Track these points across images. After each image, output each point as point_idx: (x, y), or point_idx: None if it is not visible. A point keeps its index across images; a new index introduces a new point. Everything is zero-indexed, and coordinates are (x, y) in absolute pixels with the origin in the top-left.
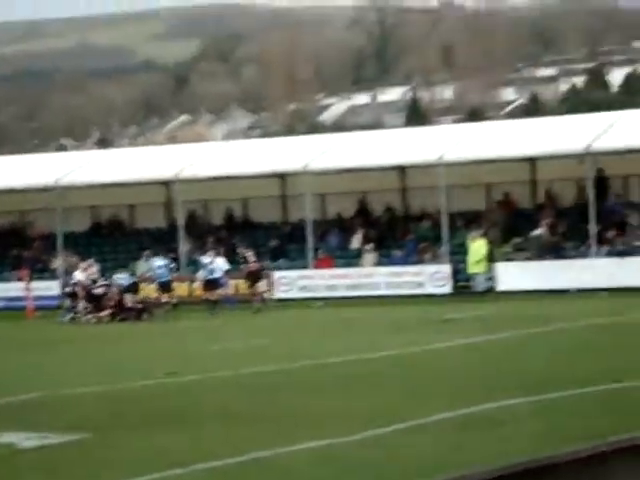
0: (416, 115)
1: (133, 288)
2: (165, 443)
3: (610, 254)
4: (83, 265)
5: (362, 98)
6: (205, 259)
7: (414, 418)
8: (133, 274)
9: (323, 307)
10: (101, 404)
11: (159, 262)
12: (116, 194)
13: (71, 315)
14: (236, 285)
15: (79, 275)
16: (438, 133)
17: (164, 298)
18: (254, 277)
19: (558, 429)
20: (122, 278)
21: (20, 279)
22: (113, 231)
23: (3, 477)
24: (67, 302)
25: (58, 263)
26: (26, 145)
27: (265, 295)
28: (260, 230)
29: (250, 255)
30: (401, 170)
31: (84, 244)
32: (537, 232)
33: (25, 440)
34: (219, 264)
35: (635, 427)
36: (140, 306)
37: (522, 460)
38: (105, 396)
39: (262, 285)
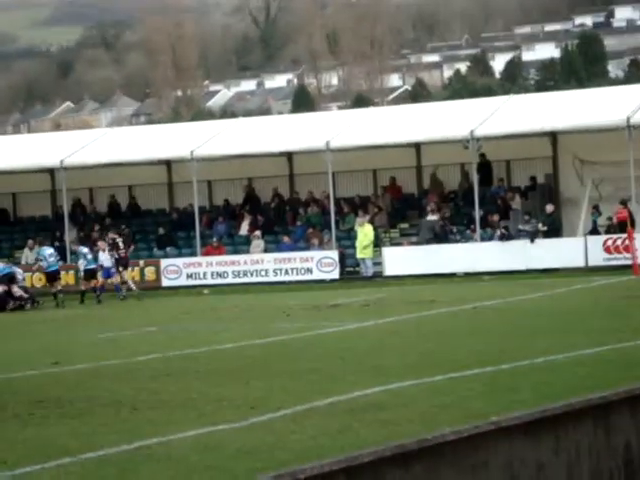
0: (303, 101)
1: (9, 278)
2: (51, 433)
3: (493, 238)
4: None
5: (249, 84)
6: (84, 249)
7: (303, 403)
8: (17, 263)
9: (211, 294)
10: None
11: (49, 250)
12: None
13: None
14: None
15: None
16: (325, 119)
17: (52, 287)
18: (123, 264)
19: (441, 411)
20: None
21: None
22: None
23: None
24: None
25: None
26: None
27: (130, 284)
28: (147, 217)
29: (120, 241)
30: (288, 156)
31: None
32: (431, 217)
33: None
34: (103, 254)
35: (516, 406)
36: (26, 295)
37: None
38: None
39: (127, 273)
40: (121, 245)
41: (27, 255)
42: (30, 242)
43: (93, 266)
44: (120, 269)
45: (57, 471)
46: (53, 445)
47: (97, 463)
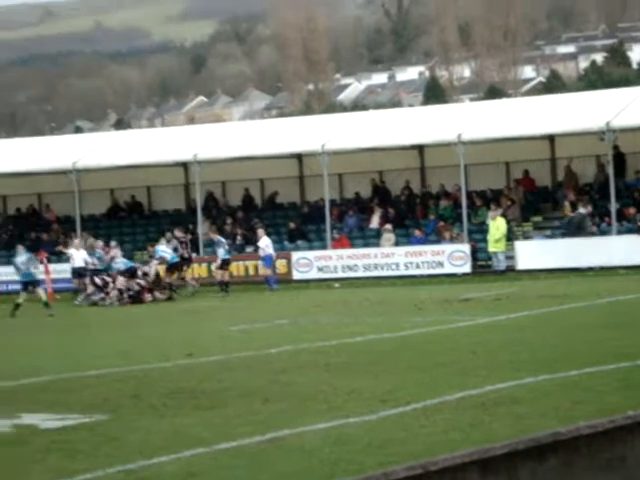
0: (434, 93)
1: (131, 272)
2: (184, 423)
3: (630, 231)
4: (103, 247)
5: (380, 77)
6: (222, 239)
7: (433, 397)
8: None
9: (342, 287)
10: (120, 385)
11: (162, 246)
12: (134, 176)
13: (84, 297)
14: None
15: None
16: (457, 111)
17: (182, 280)
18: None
19: (575, 406)
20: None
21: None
22: (131, 213)
23: (24, 458)
24: (88, 285)
25: (76, 245)
26: (43, 128)
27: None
28: (279, 211)
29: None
30: (419, 149)
31: (103, 226)
32: (581, 211)
33: (45, 421)
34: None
35: None
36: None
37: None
38: (124, 378)
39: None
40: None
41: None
42: (168, 235)
43: (228, 257)
44: (184, 267)
45: (191, 461)
46: (187, 435)
47: (231, 454)
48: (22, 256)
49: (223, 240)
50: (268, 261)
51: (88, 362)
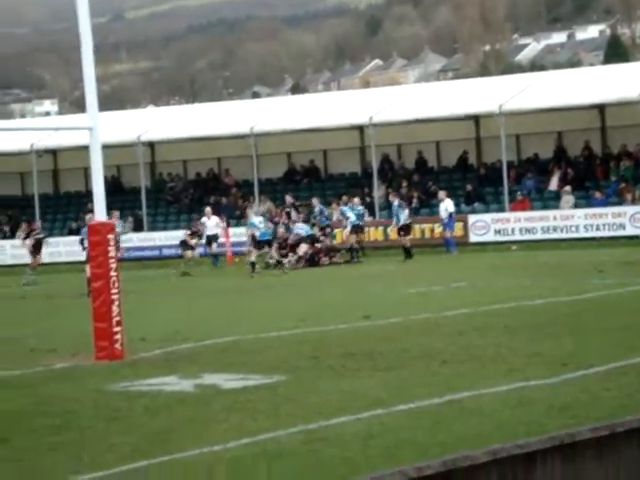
0: (616, 52)
1: (312, 239)
2: (363, 385)
3: None
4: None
5: (559, 37)
6: (403, 202)
7: (616, 360)
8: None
9: (519, 250)
10: (299, 347)
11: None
12: (310, 140)
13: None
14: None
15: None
16: (639, 70)
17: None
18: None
19: None
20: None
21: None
22: (308, 177)
23: (207, 417)
24: (271, 250)
25: (255, 210)
26: (221, 93)
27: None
28: (454, 173)
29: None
30: (600, 109)
31: (280, 190)
32: None
33: (227, 381)
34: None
35: None
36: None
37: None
38: (302, 339)
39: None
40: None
41: (337, 211)
42: (344, 198)
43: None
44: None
45: (371, 422)
46: (366, 396)
47: (409, 415)
48: (210, 219)
49: (404, 203)
50: (451, 224)
51: (268, 324)
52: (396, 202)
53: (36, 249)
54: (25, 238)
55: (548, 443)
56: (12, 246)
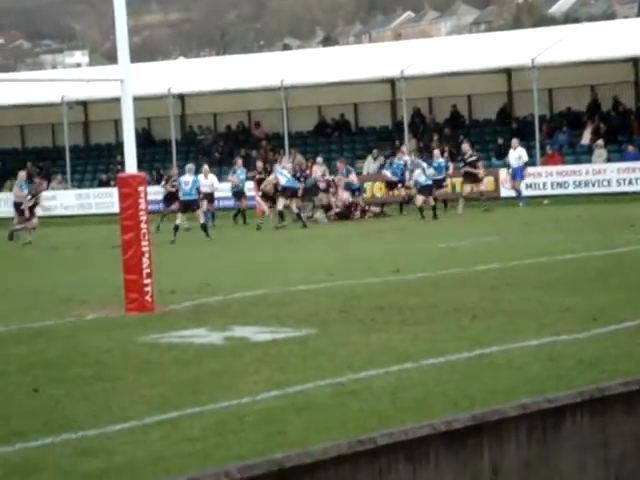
0: None
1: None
2: (392, 339)
3: None
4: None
5: None
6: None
7: None
8: (359, 173)
9: (551, 205)
10: (328, 300)
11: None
12: (341, 93)
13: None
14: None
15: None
16: None
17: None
18: (471, 178)
19: None
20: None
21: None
22: (339, 130)
23: (238, 370)
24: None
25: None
26: (252, 46)
27: (485, 194)
28: (487, 127)
29: (470, 155)
30: (634, 62)
31: (310, 143)
32: None
33: (257, 334)
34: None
35: None
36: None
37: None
38: (332, 293)
39: (481, 185)
40: (471, 158)
41: (369, 165)
42: (375, 152)
43: (434, 178)
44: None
45: (400, 375)
46: (395, 350)
47: (438, 369)
48: (240, 172)
49: (424, 164)
50: (521, 173)
51: (297, 277)
52: (407, 159)
53: (173, 198)
54: (165, 184)
55: (578, 397)
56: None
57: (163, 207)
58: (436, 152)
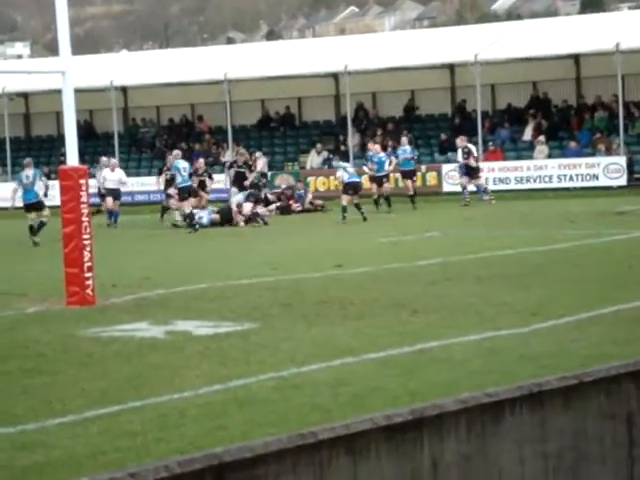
0: (592, 2)
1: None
2: (334, 333)
3: None
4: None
5: None
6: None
7: (586, 310)
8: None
9: (493, 200)
10: (271, 294)
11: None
12: (285, 87)
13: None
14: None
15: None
16: (615, 20)
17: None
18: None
19: None
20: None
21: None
22: (283, 124)
23: (179, 363)
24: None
25: (228, 156)
26: (195, 39)
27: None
28: (429, 122)
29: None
30: (575, 59)
31: (254, 137)
32: None
33: (198, 328)
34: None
35: None
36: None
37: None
38: (274, 287)
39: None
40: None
41: (312, 159)
42: (318, 146)
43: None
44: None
45: (341, 370)
46: (337, 345)
47: (380, 363)
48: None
49: (382, 155)
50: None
51: (239, 271)
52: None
53: (201, 188)
54: (190, 176)
55: (517, 392)
56: None
57: (165, 198)
58: (377, 147)
